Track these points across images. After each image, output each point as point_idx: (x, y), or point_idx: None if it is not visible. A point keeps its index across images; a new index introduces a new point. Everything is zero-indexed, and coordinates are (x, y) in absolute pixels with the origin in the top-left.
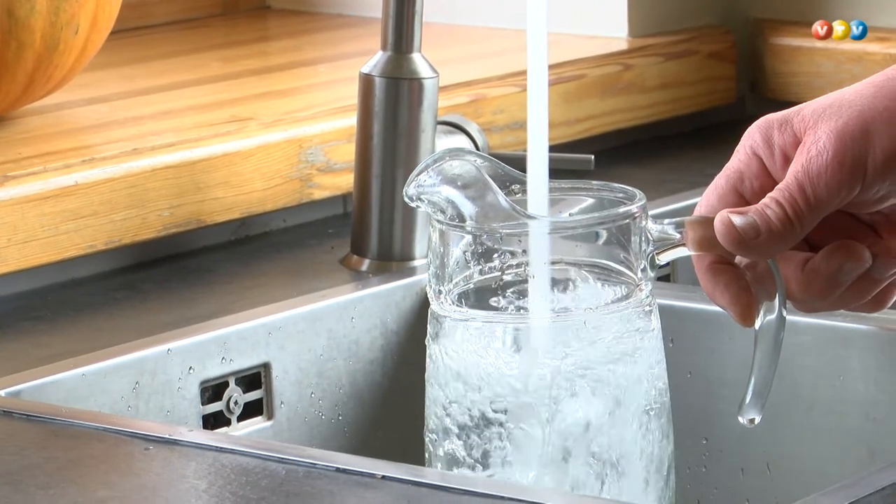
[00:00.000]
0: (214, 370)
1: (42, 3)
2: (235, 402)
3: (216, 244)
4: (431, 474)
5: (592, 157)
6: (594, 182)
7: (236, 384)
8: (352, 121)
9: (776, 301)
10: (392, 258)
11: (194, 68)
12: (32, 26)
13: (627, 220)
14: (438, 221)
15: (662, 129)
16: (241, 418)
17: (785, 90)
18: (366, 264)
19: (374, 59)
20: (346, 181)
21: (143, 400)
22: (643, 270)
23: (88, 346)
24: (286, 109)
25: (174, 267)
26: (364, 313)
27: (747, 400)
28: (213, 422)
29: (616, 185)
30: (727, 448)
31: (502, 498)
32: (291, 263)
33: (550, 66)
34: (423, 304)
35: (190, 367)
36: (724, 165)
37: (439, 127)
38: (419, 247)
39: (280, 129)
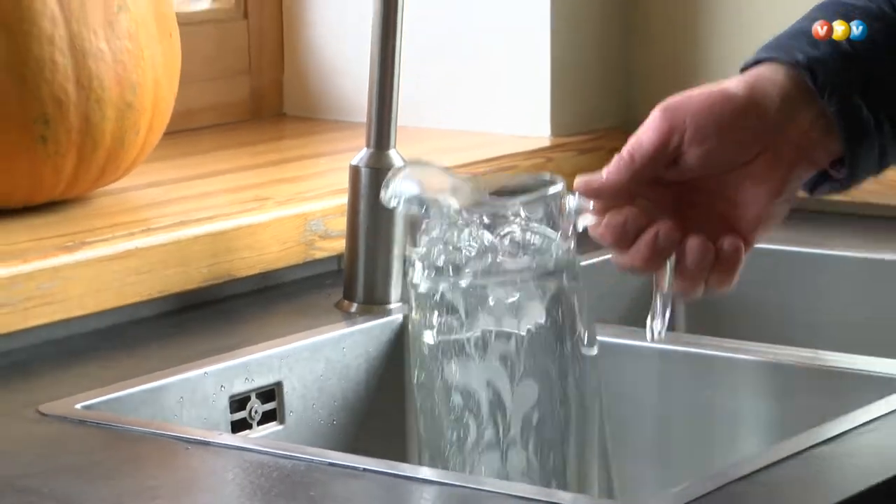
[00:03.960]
0: (240, 387)
1: (111, 112)
2: (256, 412)
3: (242, 293)
4: (404, 467)
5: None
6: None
7: (256, 398)
8: (344, 200)
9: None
10: (374, 302)
11: (226, 160)
12: (104, 129)
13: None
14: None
15: None
16: (259, 424)
17: None
18: (354, 307)
19: (360, 154)
20: (339, 245)
21: (185, 410)
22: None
23: (145, 370)
24: (296, 191)
25: (210, 310)
26: (353, 345)
27: (660, 326)
28: (239, 427)
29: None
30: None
31: (468, 488)
32: (298, 307)
33: (492, 159)
34: (398, 336)
35: (221, 385)
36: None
37: None
38: (394, 293)
39: (291, 206)
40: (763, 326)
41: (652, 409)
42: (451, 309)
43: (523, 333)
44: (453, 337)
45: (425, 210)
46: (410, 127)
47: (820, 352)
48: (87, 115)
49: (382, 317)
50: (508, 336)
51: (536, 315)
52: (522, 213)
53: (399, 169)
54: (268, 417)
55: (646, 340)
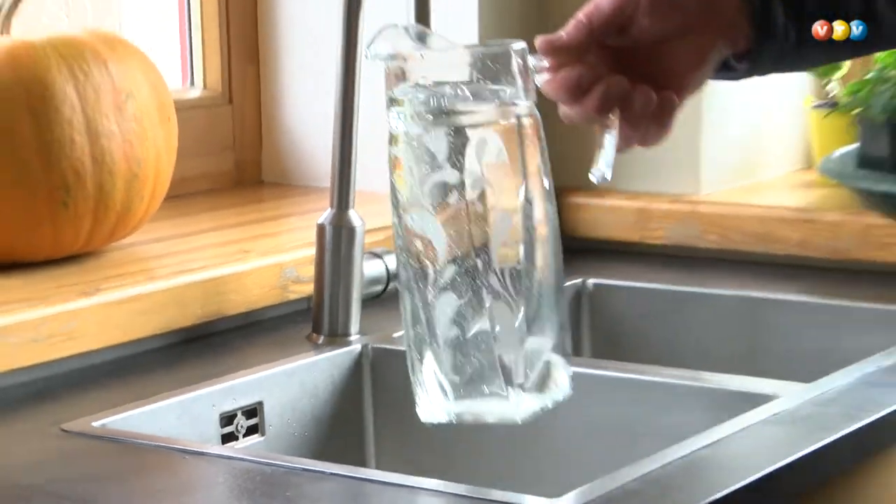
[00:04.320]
0: (228, 406)
1: (121, 182)
2: (241, 427)
3: (230, 328)
4: (364, 471)
5: None
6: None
7: (242, 415)
8: (312, 252)
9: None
10: (337, 335)
11: (215, 220)
12: (115, 196)
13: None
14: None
15: None
16: (244, 436)
17: (572, 229)
18: (321, 339)
19: (325, 214)
20: (309, 288)
21: (183, 426)
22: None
23: (150, 393)
24: (273, 245)
25: (203, 343)
26: (320, 370)
27: (606, 168)
28: (227, 439)
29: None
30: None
31: (423, 490)
32: (275, 340)
33: None
34: (358, 362)
35: (212, 405)
36: None
37: (365, 255)
38: (353, 327)
39: (269, 257)
40: (656, 352)
41: (566, 422)
42: (423, 150)
43: (486, 170)
44: (425, 176)
45: (403, 61)
46: (367, 191)
47: (701, 373)
48: (101, 184)
49: (344, 347)
50: (472, 172)
51: (498, 153)
52: (490, 65)
53: (381, 29)
54: (251, 431)
55: None
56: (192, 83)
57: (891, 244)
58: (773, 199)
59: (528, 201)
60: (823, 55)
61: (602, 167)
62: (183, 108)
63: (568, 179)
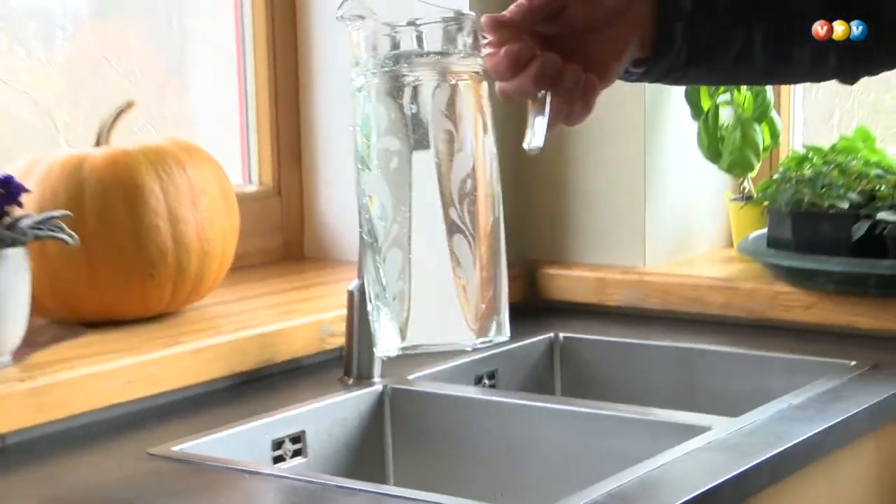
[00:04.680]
0: (277, 434)
1: (195, 258)
2: (288, 451)
3: (279, 372)
4: (386, 488)
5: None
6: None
7: (289, 441)
8: (344, 312)
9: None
10: (363, 378)
11: (268, 287)
12: (190, 269)
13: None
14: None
15: None
16: (291, 458)
17: (546, 294)
18: (350, 381)
19: (354, 283)
20: (341, 340)
21: (243, 450)
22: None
23: (217, 424)
24: (313, 307)
25: (259, 384)
26: (349, 405)
27: (538, 139)
28: (277, 461)
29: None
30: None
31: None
32: (315, 381)
33: None
34: (380, 399)
35: (266, 433)
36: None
37: None
38: (376, 371)
39: (310, 316)
40: (614, 391)
41: (545, 447)
42: (377, 109)
43: (435, 129)
44: (377, 136)
45: (363, 21)
46: None
47: (649, 408)
48: (180, 260)
49: (369, 387)
50: (423, 131)
51: (447, 112)
52: (444, 30)
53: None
54: (296, 454)
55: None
56: (250, 180)
57: (794, 307)
58: (702, 270)
59: (476, 158)
60: (701, 79)
61: (535, 139)
62: (243, 199)
63: (543, 253)
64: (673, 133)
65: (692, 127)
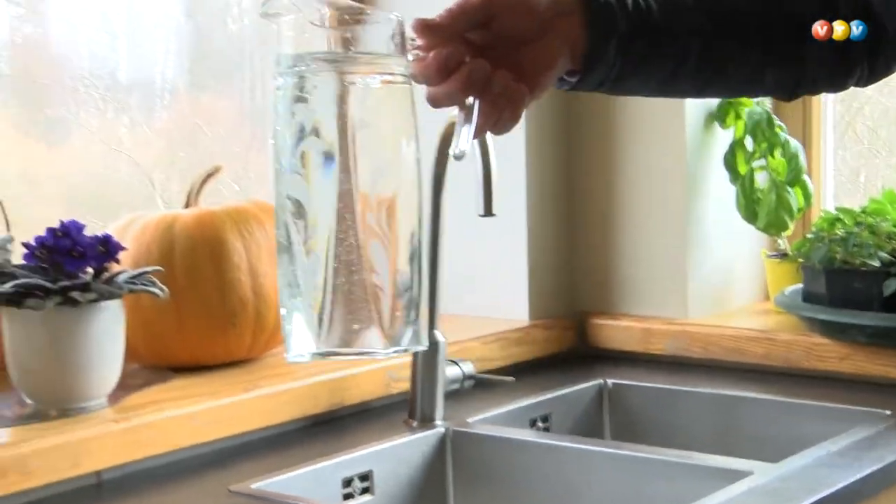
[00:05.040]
0: (347, 472)
1: (273, 308)
2: (357, 488)
3: (349, 414)
4: None
5: (514, 378)
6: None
7: (357, 479)
8: (409, 359)
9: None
10: (426, 420)
11: None
12: (269, 319)
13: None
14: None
15: (539, 362)
16: (359, 495)
17: (595, 343)
18: (415, 423)
19: None
20: (406, 385)
21: (316, 487)
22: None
23: (292, 463)
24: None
25: (331, 425)
26: (414, 446)
27: (465, 145)
28: (347, 497)
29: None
30: None
31: None
32: (382, 423)
33: (488, 335)
34: (441, 441)
35: (336, 472)
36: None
37: (447, 362)
38: (438, 414)
39: (377, 363)
40: (659, 435)
41: (596, 490)
42: (294, 112)
43: (357, 131)
44: (297, 140)
45: (288, 18)
46: (447, 314)
47: (693, 453)
48: (259, 310)
49: (432, 429)
50: (344, 133)
51: (372, 114)
52: (370, 33)
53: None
54: (364, 492)
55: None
56: None
57: (829, 358)
58: (741, 322)
59: (397, 163)
60: (635, 92)
61: (461, 144)
62: None
63: (592, 305)
64: (712, 195)
65: (730, 190)
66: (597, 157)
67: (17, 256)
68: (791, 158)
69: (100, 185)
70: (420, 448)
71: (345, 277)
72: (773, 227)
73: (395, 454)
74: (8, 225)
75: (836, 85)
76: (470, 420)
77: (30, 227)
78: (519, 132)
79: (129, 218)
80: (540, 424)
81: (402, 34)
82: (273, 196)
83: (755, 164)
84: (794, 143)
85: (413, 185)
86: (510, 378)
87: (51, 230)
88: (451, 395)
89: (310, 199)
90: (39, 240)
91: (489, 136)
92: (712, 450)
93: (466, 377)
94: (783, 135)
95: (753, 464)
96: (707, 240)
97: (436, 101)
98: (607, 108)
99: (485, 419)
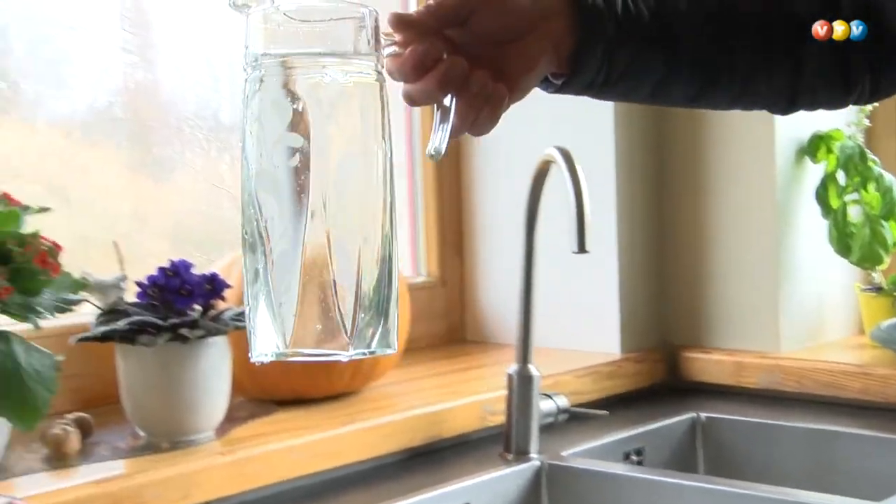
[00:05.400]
0: None
1: None
2: None
3: (446, 447)
4: None
5: (608, 412)
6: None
7: None
8: (503, 393)
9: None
10: (521, 453)
11: (435, 368)
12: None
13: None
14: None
15: (630, 395)
16: None
17: (686, 376)
18: (510, 456)
19: (512, 367)
20: (501, 419)
21: None
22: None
23: (391, 496)
24: (475, 388)
25: (428, 458)
26: (510, 478)
27: (441, 144)
28: None
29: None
30: None
31: None
32: (478, 456)
33: (581, 368)
34: (537, 473)
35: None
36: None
37: (541, 395)
38: (533, 447)
39: (472, 396)
40: (752, 470)
41: None
42: (268, 113)
43: (329, 131)
44: (270, 140)
45: (259, 10)
46: (542, 347)
47: (788, 489)
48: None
49: (527, 462)
50: (316, 134)
51: (343, 113)
52: (343, 28)
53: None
54: None
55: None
56: (419, 272)
57: None
58: (835, 356)
59: (366, 162)
60: (623, 98)
61: (437, 144)
62: (412, 289)
63: (684, 339)
64: (803, 229)
65: (821, 223)
66: (686, 192)
67: (131, 294)
68: (885, 192)
69: (203, 221)
70: (516, 481)
71: (311, 277)
72: (868, 260)
73: (492, 487)
74: (122, 264)
75: (836, 99)
76: (564, 453)
77: (139, 261)
78: (608, 167)
79: (233, 256)
80: (634, 458)
81: (377, 28)
82: (240, 193)
83: (847, 197)
84: (889, 177)
85: (384, 184)
86: (604, 412)
87: (161, 269)
88: (545, 429)
89: (278, 196)
90: (151, 279)
91: (581, 173)
92: (808, 486)
93: (561, 411)
94: (877, 169)
95: (852, 502)
96: (798, 273)
97: (412, 99)
98: (697, 142)
99: (579, 452)
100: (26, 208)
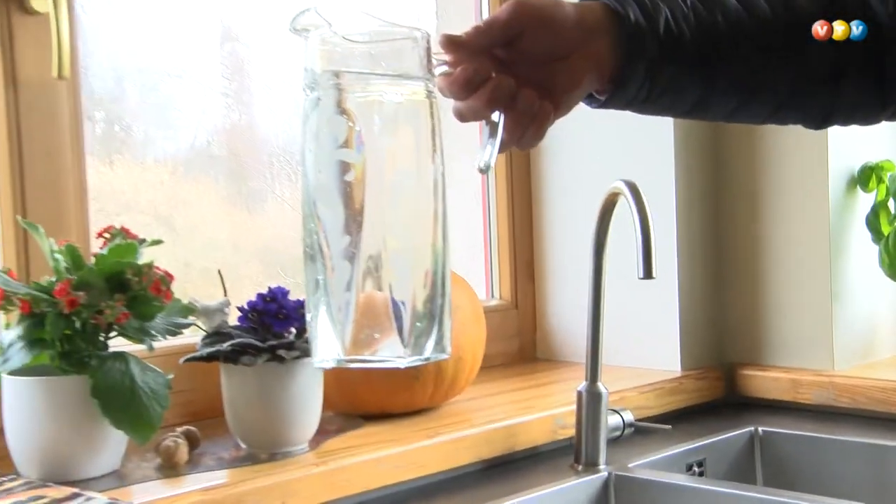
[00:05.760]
0: None
1: (451, 364)
2: None
3: (520, 458)
4: None
5: (671, 426)
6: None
7: None
8: (573, 408)
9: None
10: (590, 464)
11: (508, 385)
12: (448, 372)
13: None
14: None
15: (691, 410)
16: None
17: (744, 392)
18: (580, 467)
19: (582, 385)
20: (571, 432)
21: None
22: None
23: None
24: (547, 403)
25: (504, 468)
26: (580, 488)
27: (489, 158)
28: None
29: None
30: None
31: None
32: (550, 467)
33: (644, 385)
34: (605, 484)
35: None
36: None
37: (609, 411)
38: (602, 458)
39: (545, 411)
40: (808, 482)
41: None
42: (326, 129)
43: (385, 147)
44: (327, 154)
45: (318, 33)
46: (609, 365)
47: (842, 501)
48: (440, 364)
49: (596, 473)
50: (372, 150)
51: (397, 130)
52: (396, 49)
53: (305, 10)
54: None
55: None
56: (493, 296)
57: None
58: (888, 374)
59: (420, 176)
60: (664, 113)
61: (487, 159)
62: (487, 311)
63: (741, 356)
64: (855, 254)
65: (872, 248)
66: (743, 218)
67: (232, 317)
68: None
69: (289, 246)
70: (586, 491)
71: (369, 287)
72: None
73: (563, 496)
74: (225, 290)
75: (871, 115)
76: (631, 465)
77: (235, 282)
78: (669, 196)
79: None
80: (695, 469)
81: (429, 50)
82: (301, 208)
83: None
84: None
85: (436, 197)
86: (667, 426)
87: (260, 296)
88: (612, 442)
89: (335, 210)
90: (251, 304)
91: (647, 206)
92: (860, 497)
93: (627, 425)
94: None
95: None
96: (851, 295)
97: (462, 116)
98: (753, 170)
99: (644, 464)
100: (142, 241)
